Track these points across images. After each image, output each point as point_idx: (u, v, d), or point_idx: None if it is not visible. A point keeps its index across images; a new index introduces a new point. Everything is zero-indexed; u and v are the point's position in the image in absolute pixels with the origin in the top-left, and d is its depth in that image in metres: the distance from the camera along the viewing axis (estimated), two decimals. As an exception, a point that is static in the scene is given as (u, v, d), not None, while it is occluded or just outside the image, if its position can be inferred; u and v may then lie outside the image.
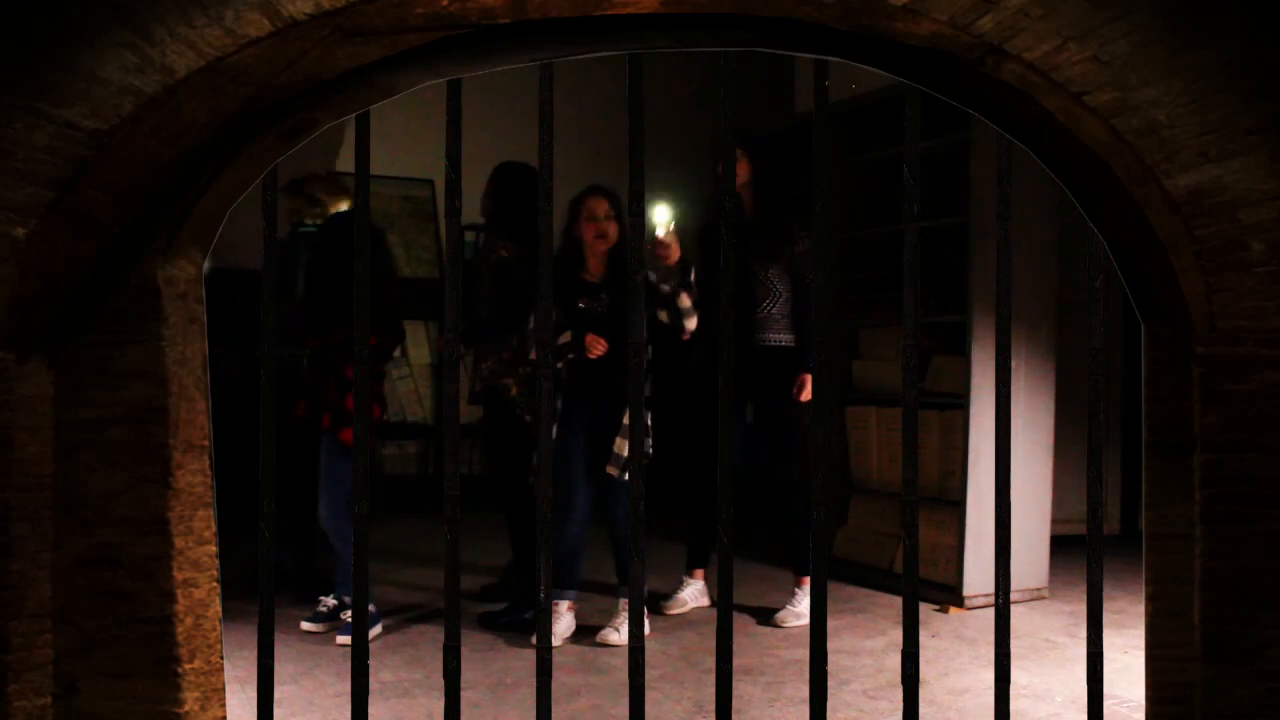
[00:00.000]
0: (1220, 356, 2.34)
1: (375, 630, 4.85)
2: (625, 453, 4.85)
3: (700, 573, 5.48)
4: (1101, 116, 2.28)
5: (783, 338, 5.27)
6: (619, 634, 4.74)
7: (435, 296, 7.56)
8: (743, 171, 5.24)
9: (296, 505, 5.24)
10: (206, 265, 2.54)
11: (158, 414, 2.38)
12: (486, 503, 5.47)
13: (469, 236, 7.19)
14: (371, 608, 4.91)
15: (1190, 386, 2.39)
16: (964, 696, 4.10)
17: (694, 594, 5.44)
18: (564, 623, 4.85)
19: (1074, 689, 4.09)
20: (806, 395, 5.14)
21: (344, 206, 5.27)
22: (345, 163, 5.26)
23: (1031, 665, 4.46)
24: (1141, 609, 2.52)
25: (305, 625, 4.96)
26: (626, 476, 4.79)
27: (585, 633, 4.92)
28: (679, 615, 5.32)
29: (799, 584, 5.23)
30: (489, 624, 5.04)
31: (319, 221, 5.35)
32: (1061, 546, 5.63)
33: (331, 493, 4.80)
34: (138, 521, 2.37)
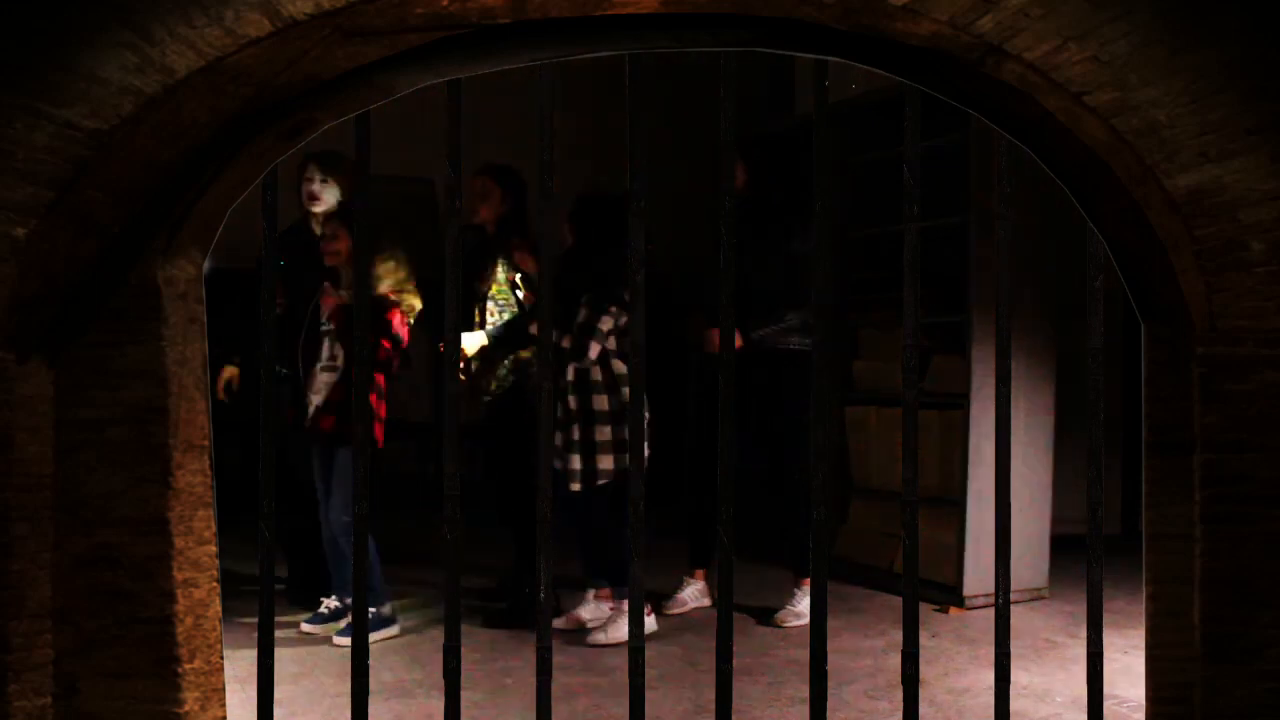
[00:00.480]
0: (1220, 356, 2.34)
1: (392, 631, 4.86)
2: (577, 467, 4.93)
3: (701, 573, 5.48)
4: (1101, 116, 2.28)
5: (792, 340, 5.27)
6: (605, 634, 4.77)
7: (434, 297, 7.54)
8: (739, 176, 5.24)
9: (294, 507, 5.22)
10: (206, 265, 2.54)
11: (158, 414, 2.38)
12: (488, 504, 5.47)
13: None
14: (387, 609, 4.88)
15: (1190, 386, 2.39)
16: (964, 696, 4.10)
17: (694, 594, 5.44)
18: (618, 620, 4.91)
19: (1074, 689, 4.09)
20: (712, 346, 5.12)
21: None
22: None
23: (1031, 665, 4.46)
24: (1141, 609, 2.52)
25: (305, 627, 4.95)
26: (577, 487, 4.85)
27: (585, 633, 4.92)
28: (679, 615, 5.32)
29: (799, 584, 5.23)
30: (503, 623, 5.05)
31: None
32: (1061, 546, 5.63)
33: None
34: (138, 521, 2.37)
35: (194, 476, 2.43)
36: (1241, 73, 2.18)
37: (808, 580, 4.90)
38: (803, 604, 5.09)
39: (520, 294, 5.17)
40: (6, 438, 2.23)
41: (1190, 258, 2.33)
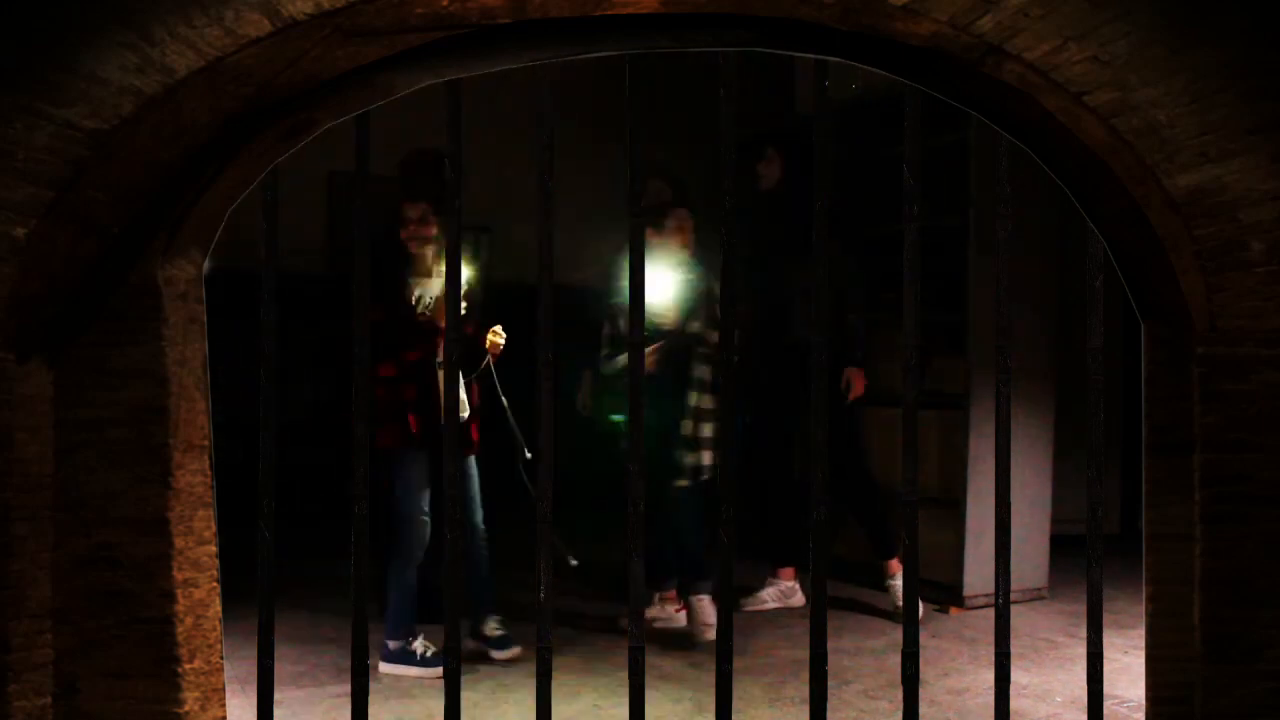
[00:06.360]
0: (1220, 356, 2.34)
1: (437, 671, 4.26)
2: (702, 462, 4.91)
3: (789, 572, 5.49)
4: (1101, 116, 2.28)
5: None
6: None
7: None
8: (776, 170, 5.30)
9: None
10: (207, 265, 2.54)
11: (158, 414, 2.38)
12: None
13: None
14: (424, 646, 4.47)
15: (1190, 386, 2.39)
16: (964, 696, 4.10)
17: (774, 594, 5.44)
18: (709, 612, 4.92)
19: (1074, 689, 4.09)
20: (857, 390, 5.28)
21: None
22: (345, 161, 5.23)
23: (1031, 665, 4.46)
24: (1141, 609, 2.52)
25: (388, 669, 4.42)
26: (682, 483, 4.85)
27: (585, 633, 4.92)
28: (754, 611, 5.30)
29: (890, 569, 5.33)
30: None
31: None
32: (1061, 546, 5.63)
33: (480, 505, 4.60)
34: (138, 521, 2.37)
35: (194, 476, 2.43)
36: (1241, 73, 2.18)
37: (896, 561, 5.01)
38: (898, 583, 5.12)
39: None
40: (6, 438, 2.23)
41: (1190, 258, 2.33)
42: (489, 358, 4.53)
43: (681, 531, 4.94)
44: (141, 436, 2.38)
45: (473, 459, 4.58)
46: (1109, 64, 2.21)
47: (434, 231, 4.47)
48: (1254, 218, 2.25)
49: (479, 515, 4.57)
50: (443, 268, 4.21)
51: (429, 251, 4.49)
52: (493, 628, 4.53)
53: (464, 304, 4.37)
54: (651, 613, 5.02)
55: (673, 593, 5.04)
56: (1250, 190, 2.23)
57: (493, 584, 4.57)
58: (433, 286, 4.48)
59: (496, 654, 4.47)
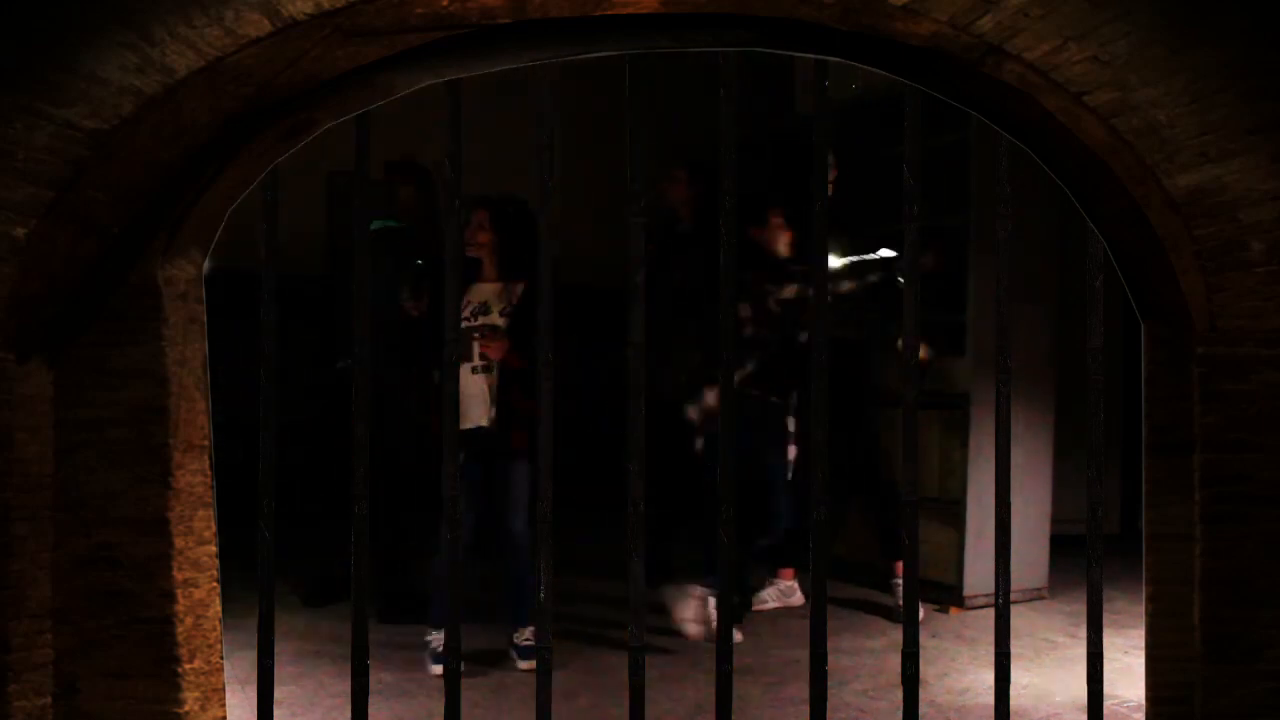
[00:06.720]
0: (1220, 356, 2.34)
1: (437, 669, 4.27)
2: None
3: (789, 573, 5.50)
4: (1101, 116, 2.28)
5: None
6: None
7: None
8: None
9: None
10: (207, 265, 2.54)
11: (158, 414, 2.38)
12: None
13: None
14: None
15: (1190, 386, 2.39)
16: (964, 696, 4.10)
17: (774, 594, 5.44)
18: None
19: (1074, 689, 4.08)
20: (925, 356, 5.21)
21: None
22: (345, 161, 5.23)
23: (1031, 665, 4.46)
24: (1141, 609, 2.52)
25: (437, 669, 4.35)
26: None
27: (585, 633, 4.92)
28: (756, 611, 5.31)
29: (898, 569, 5.28)
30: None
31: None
32: (1061, 546, 5.63)
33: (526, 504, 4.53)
34: (138, 521, 2.37)
35: (194, 476, 2.43)
36: (1241, 73, 2.18)
37: (899, 564, 4.99)
38: (898, 585, 5.14)
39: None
40: (6, 438, 2.23)
41: (1190, 258, 2.33)
42: (491, 361, 4.54)
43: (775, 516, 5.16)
44: (141, 436, 2.38)
45: (523, 466, 4.53)
46: (1109, 64, 2.21)
47: (486, 239, 4.53)
48: (1254, 218, 2.25)
49: (520, 523, 4.55)
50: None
51: (483, 259, 4.55)
52: (524, 637, 4.48)
53: (501, 314, 4.43)
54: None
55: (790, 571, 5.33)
56: (1250, 190, 2.23)
57: (528, 595, 4.44)
58: (482, 291, 4.53)
59: (522, 663, 4.43)
